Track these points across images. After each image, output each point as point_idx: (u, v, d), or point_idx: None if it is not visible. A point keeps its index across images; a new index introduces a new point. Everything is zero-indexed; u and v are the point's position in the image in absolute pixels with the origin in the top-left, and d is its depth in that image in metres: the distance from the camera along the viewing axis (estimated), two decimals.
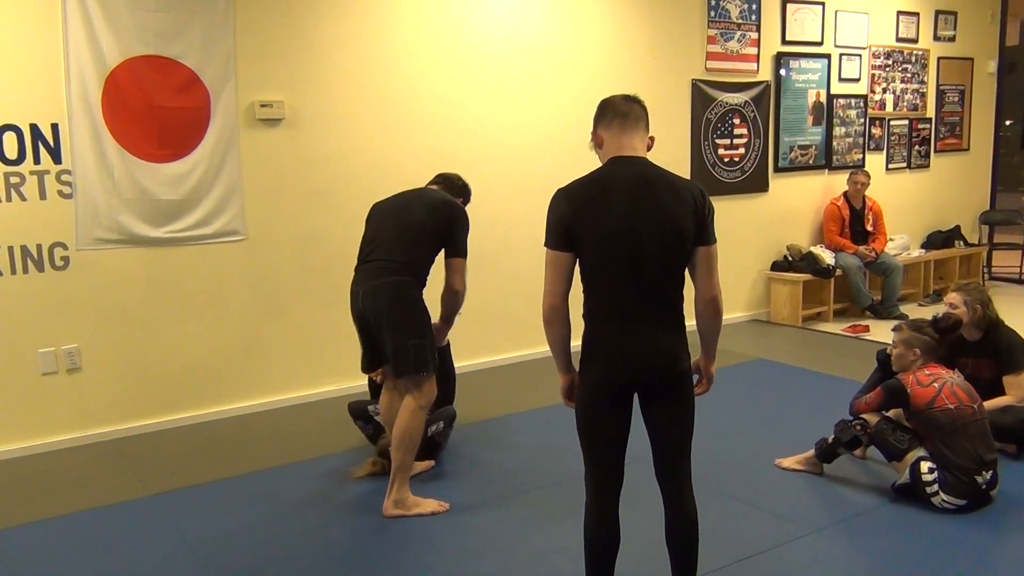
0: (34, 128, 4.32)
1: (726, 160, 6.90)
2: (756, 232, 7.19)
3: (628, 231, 2.39)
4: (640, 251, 2.39)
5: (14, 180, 4.30)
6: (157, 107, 4.60)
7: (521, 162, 5.86)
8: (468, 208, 3.85)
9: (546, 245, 2.47)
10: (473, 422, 4.67)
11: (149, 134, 4.61)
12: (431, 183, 3.91)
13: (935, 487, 3.42)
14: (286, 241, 5.08)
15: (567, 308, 2.49)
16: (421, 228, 3.53)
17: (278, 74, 4.96)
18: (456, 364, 4.44)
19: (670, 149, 6.58)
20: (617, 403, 2.51)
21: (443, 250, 3.59)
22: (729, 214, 6.98)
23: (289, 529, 3.47)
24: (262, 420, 4.93)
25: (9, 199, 4.30)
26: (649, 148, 2.55)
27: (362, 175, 5.27)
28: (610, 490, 2.56)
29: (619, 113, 2.49)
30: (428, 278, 3.61)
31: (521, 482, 3.86)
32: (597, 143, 2.54)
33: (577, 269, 2.48)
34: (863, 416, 3.70)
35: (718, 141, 6.82)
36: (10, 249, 4.33)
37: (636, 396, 2.53)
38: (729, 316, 7.11)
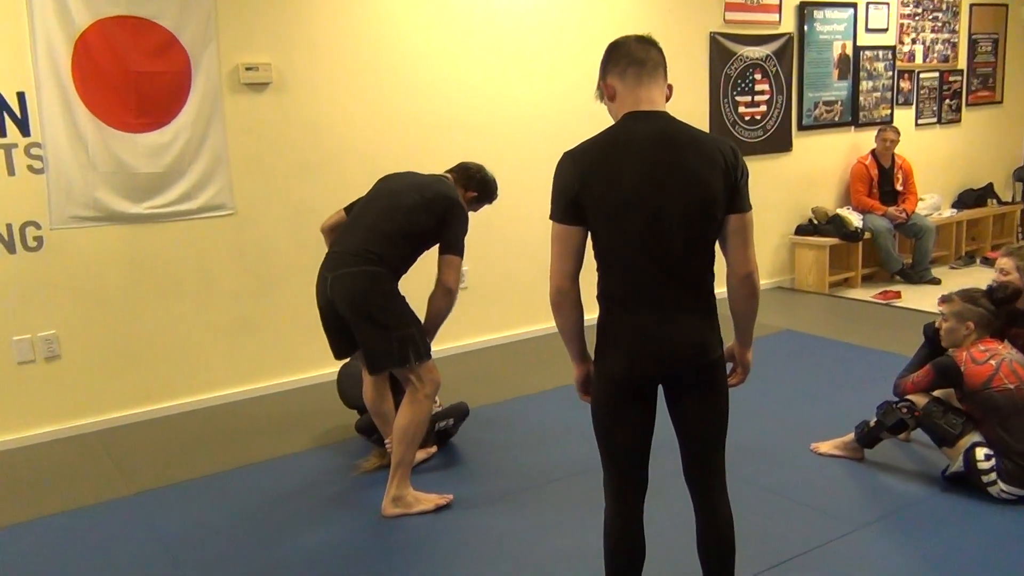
0: None
1: (747, 119, 6.49)
2: (779, 194, 6.80)
3: (646, 199, 2.03)
4: (661, 222, 2.03)
5: None
6: (132, 72, 4.24)
7: (528, 124, 5.48)
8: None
9: (551, 218, 2.11)
10: (480, 405, 4.34)
11: (125, 102, 4.26)
12: (447, 172, 3.50)
13: (993, 475, 3.07)
14: (277, 215, 4.74)
15: (577, 289, 2.15)
16: (406, 221, 3.17)
17: (264, 34, 4.58)
18: (461, 342, 4.14)
19: (687, 107, 6.17)
20: (637, 398, 2.17)
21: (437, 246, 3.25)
22: (751, 176, 6.57)
23: (276, 531, 3.18)
24: (255, 407, 4.62)
25: None
26: (668, 98, 2.18)
27: (358, 143, 4.91)
28: (632, 498, 2.23)
29: (635, 60, 2.12)
30: (404, 275, 3.29)
31: (535, 473, 3.54)
32: (608, 95, 2.17)
33: (590, 244, 2.13)
34: (909, 397, 3.35)
35: (738, 98, 6.41)
36: None
37: (662, 389, 2.20)
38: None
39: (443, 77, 5.15)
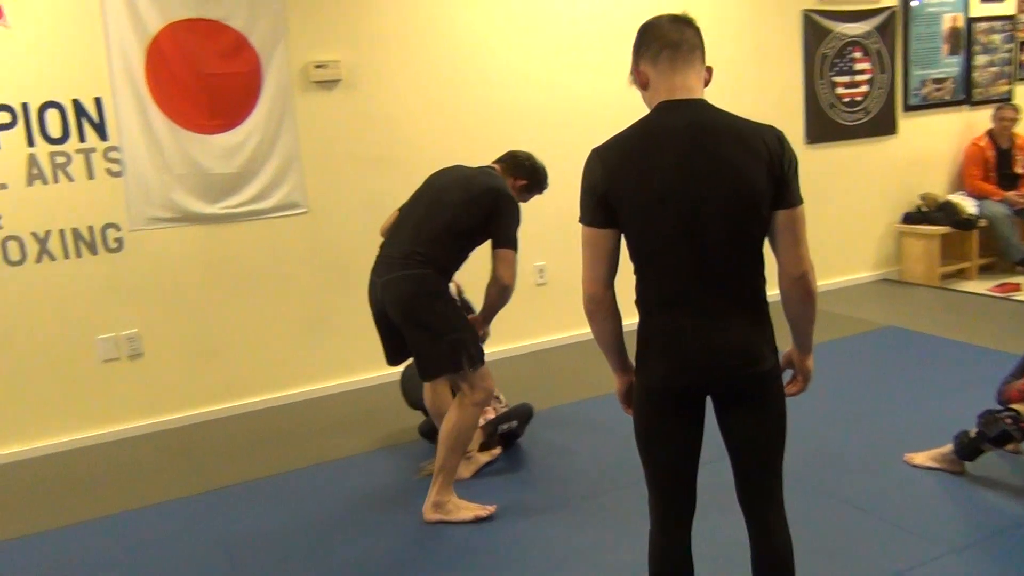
0: (77, 104, 4.09)
1: (846, 100, 6.08)
2: (884, 180, 6.35)
3: (681, 196, 1.84)
4: (698, 220, 1.84)
5: (60, 160, 4.09)
6: (204, 74, 4.29)
7: (602, 117, 5.26)
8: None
9: (580, 221, 1.95)
10: (552, 406, 4.20)
11: (198, 104, 4.31)
12: (495, 161, 3.38)
13: None
14: (349, 212, 4.72)
15: (612, 296, 1.98)
16: (452, 218, 3.04)
17: (333, 31, 4.56)
18: (536, 340, 3.98)
19: (777, 92, 5.84)
20: (681, 410, 1.99)
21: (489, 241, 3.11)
22: (851, 162, 6.20)
23: (328, 535, 3.13)
24: (326, 405, 4.62)
25: (56, 180, 4.10)
26: (707, 83, 1.98)
27: (429, 137, 4.83)
28: (677, 518, 2.05)
29: (668, 43, 1.92)
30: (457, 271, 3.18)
31: (598, 480, 3.38)
32: (640, 82, 1.99)
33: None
34: (1014, 406, 3.01)
35: (836, 79, 6.01)
36: (61, 233, 4.14)
37: (711, 400, 2.01)
38: (852, 276, 6.37)
39: (513, 70, 5.01)
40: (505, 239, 3.05)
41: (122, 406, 4.36)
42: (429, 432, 3.67)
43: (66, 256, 4.16)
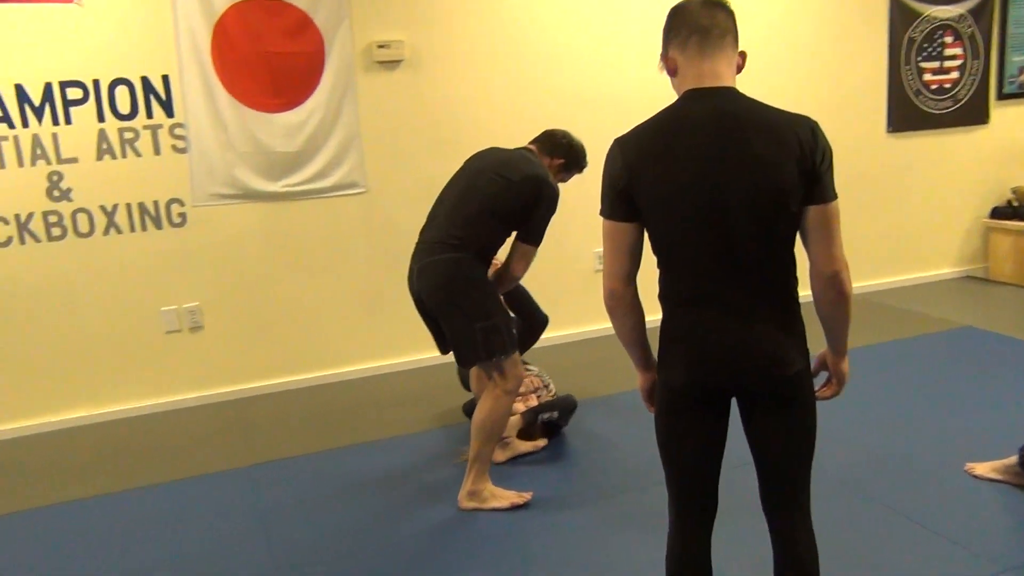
0: (145, 81, 4.19)
1: (934, 87, 5.77)
2: (972, 172, 6.02)
3: (704, 191, 1.75)
4: (722, 217, 1.75)
5: (128, 135, 4.20)
6: (268, 53, 4.34)
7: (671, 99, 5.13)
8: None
9: (601, 214, 1.88)
10: (601, 396, 4.13)
11: (261, 83, 4.36)
12: (531, 142, 3.29)
13: None
14: (409, 193, 4.72)
15: (633, 292, 1.92)
16: (490, 202, 2.99)
17: (396, 11, 4.55)
18: (588, 327, 3.91)
19: (859, 77, 5.58)
20: (703, 411, 1.91)
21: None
22: (937, 152, 5.89)
23: (363, 516, 3.14)
24: (381, 383, 4.66)
25: (124, 155, 4.21)
26: (740, 69, 1.88)
27: (491, 119, 4.79)
28: (696, 523, 1.98)
29: (698, 27, 1.82)
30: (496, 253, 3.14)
31: (639, 473, 3.30)
32: (669, 69, 1.89)
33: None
34: None
35: (924, 65, 5.70)
36: (128, 206, 4.27)
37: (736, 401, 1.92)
38: (932, 272, 6.07)
39: (577, 53, 4.91)
40: (534, 234, 3.00)
41: (182, 377, 4.49)
42: (472, 411, 3.66)
43: (132, 229, 4.29)
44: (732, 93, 1.80)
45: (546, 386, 3.88)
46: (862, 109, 5.66)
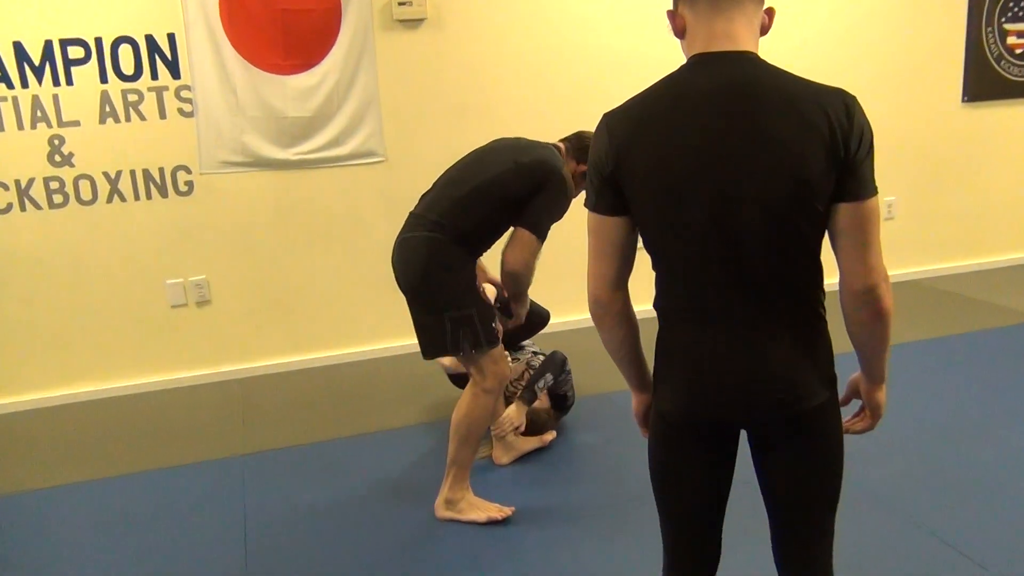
0: (150, 39, 3.94)
1: (1019, 52, 5.20)
2: None
3: (708, 180, 1.40)
4: (731, 214, 1.40)
5: (132, 98, 3.97)
6: (280, 10, 4.04)
7: None
8: None
9: (585, 205, 1.55)
10: (615, 391, 3.79)
11: (273, 43, 4.08)
12: (561, 140, 2.92)
13: None
14: (430, 162, 4.31)
15: (623, 299, 1.58)
16: (489, 186, 2.64)
17: None
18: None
19: (933, 40, 5.06)
20: (704, 446, 1.59)
21: None
22: (1019, 124, 5.33)
23: (343, 519, 2.89)
24: (397, 365, 4.39)
25: (128, 119, 3.99)
26: (765, 30, 1.50)
27: (519, 84, 4.44)
28: (693, 570, 1.66)
29: None
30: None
31: (624, 488, 2.95)
32: (676, 28, 1.53)
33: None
34: None
35: (1007, 26, 5.13)
36: (132, 173, 4.05)
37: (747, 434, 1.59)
38: (1005, 257, 5.54)
39: (614, 9, 4.49)
40: (532, 221, 2.61)
41: (188, 353, 4.29)
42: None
43: (136, 198, 4.08)
44: (749, 60, 1.43)
45: (535, 352, 3.56)
46: (934, 76, 5.13)
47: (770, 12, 1.51)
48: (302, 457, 3.40)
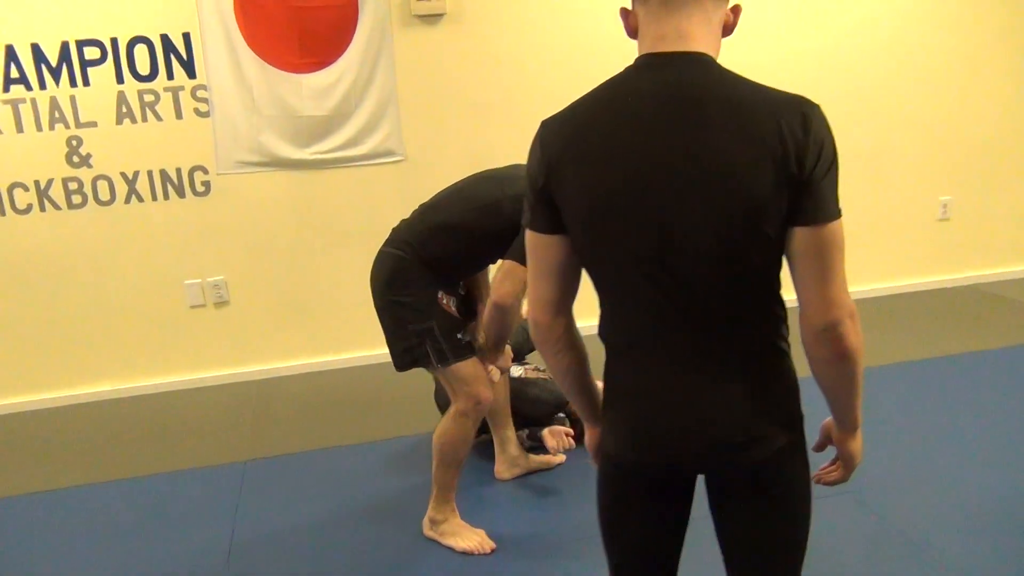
0: (165, 39, 3.91)
1: None
2: None
3: (643, 199, 1.24)
4: (669, 238, 1.25)
5: (148, 98, 3.95)
6: (296, 7, 3.97)
7: (777, 65, 4.46)
8: None
9: (521, 221, 1.41)
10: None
11: (288, 41, 4.01)
12: None
13: None
14: (451, 162, 4.28)
15: (565, 324, 1.44)
16: (469, 221, 2.50)
17: None
18: None
19: (989, 32, 4.70)
20: (654, 494, 1.44)
21: None
22: None
23: (333, 530, 2.81)
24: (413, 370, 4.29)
25: (144, 119, 3.97)
26: (728, 30, 1.33)
27: (545, 81, 4.28)
28: None
29: None
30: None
31: None
32: (629, 27, 1.37)
33: None
34: None
35: None
36: (149, 174, 4.04)
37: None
38: None
39: None
40: (521, 254, 2.43)
41: (206, 354, 4.28)
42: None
43: (154, 198, 4.06)
44: (700, 63, 1.26)
45: (537, 368, 3.39)
46: (992, 69, 4.79)
47: (736, 10, 1.34)
48: (304, 464, 3.34)
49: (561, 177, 1.29)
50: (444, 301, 2.54)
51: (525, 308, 1.81)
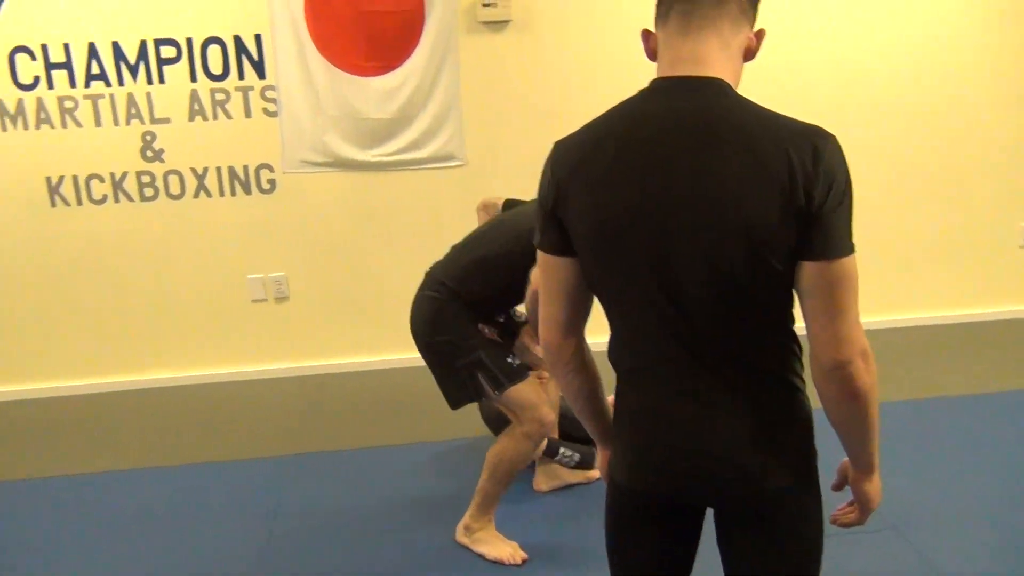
0: (238, 40, 4.03)
1: None
2: None
3: (646, 226, 1.23)
4: (672, 269, 1.23)
5: (219, 97, 4.07)
6: (364, 12, 4.03)
7: (860, 77, 4.34)
8: None
9: (532, 240, 1.41)
10: None
11: (356, 44, 4.08)
12: None
13: None
14: (511, 169, 4.30)
15: (576, 346, 1.43)
16: (499, 248, 2.59)
17: None
18: None
19: None
20: (660, 521, 1.42)
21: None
22: None
23: (368, 529, 2.85)
24: None
25: (215, 117, 4.09)
26: (750, 55, 1.30)
27: (605, 91, 4.16)
28: None
29: None
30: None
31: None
32: (648, 49, 1.36)
33: None
34: None
35: None
36: (218, 170, 4.16)
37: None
38: None
39: None
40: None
41: (265, 347, 4.38)
42: (551, 451, 3.19)
43: (221, 194, 4.19)
44: (713, 88, 1.24)
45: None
46: None
47: (759, 34, 1.31)
48: (348, 462, 3.39)
49: (569, 199, 1.28)
50: (486, 331, 2.58)
51: None
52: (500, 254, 2.57)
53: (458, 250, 2.70)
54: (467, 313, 2.58)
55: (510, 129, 4.28)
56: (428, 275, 2.69)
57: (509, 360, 2.55)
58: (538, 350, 2.75)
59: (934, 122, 4.46)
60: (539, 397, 2.55)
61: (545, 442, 2.90)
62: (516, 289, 2.60)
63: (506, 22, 4.14)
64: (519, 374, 2.54)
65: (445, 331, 2.55)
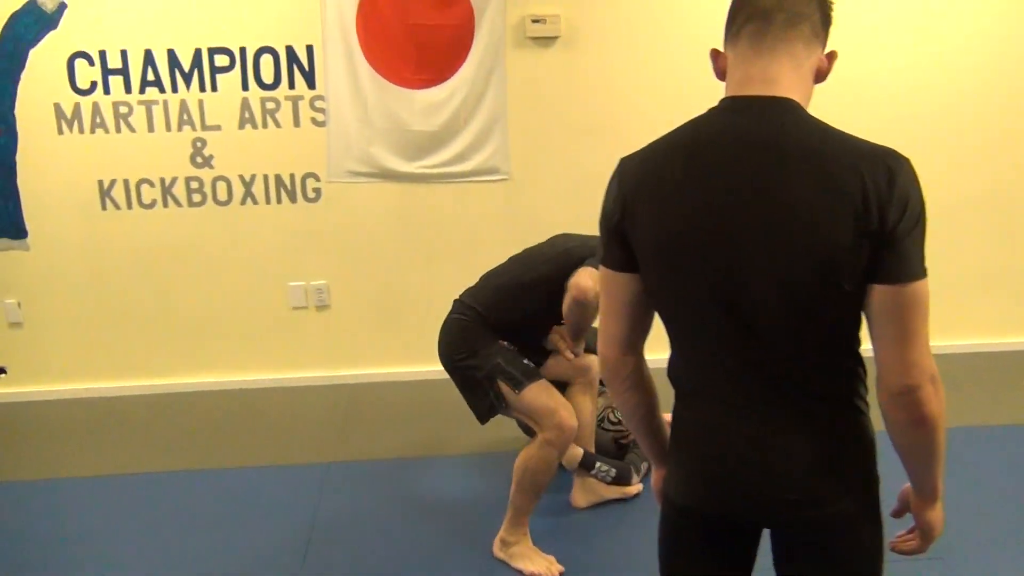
0: (290, 51, 4.09)
1: None
2: None
3: (714, 249, 1.22)
4: (739, 289, 1.22)
5: (270, 106, 4.13)
6: (414, 25, 4.07)
7: (909, 95, 4.30)
8: None
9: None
10: None
11: (405, 57, 4.12)
12: None
13: None
14: (555, 184, 4.31)
15: (635, 364, 1.43)
16: (536, 272, 2.71)
17: None
18: None
19: None
20: (714, 541, 1.40)
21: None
22: None
23: (408, 541, 2.85)
24: None
25: (265, 126, 4.15)
26: (821, 77, 1.29)
27: (652, 108, 4.24)
28: None
29: (758, 11, 1.26)
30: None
31: None
32: (717, 68, 1.36)
33: None
34: None
35: None
36: (265, 178, 4.22)
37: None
38: None
39: None
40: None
41: (305, 355, 4.42)
42: (586, 464, 3.17)
43: (267, 201, 4.24)
44: (784, 108, 1.23)
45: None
46: None
47: (831, 56, 1.30)
48: (387, 471, 3.40)
49: (635, 215, 1.28)
50: (505, 344, 2.66)
51: None
52: (532, 279, 2.67)
53: (487, 277, 2.80)
54: (491, 334, 2.65)
55: (554, 144, 4.28)
56: (457, 301, 2.78)
57: (525, 361, 2.63)
58: (568, 354, 2.78)
59: (992, 145, 4.39)
60: (556, 401, 2.59)
61: (581, 455, 2.90)
62: (544, 315, 2.63)
63: (554, 38, 4.16)
64: (536, 373, 2.62)
65: (467, 349, 2.65)
